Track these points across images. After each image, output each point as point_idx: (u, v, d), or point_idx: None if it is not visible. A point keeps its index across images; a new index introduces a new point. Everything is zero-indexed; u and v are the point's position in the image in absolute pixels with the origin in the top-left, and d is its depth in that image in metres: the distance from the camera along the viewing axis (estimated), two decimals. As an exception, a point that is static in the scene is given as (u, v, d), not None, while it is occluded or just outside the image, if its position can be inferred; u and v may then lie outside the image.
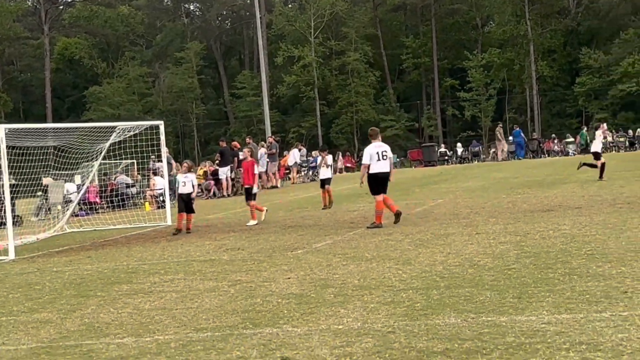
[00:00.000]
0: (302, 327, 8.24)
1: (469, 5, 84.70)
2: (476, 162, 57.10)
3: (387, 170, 17.34)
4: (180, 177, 20.71)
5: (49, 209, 28.86)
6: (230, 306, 9.68)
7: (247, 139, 38.00)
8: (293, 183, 41.78)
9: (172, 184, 27.07)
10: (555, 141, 59.95)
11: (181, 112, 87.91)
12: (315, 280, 10.93)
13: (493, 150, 59.51)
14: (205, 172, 39.13)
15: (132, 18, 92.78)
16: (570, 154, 56.55)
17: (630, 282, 9.01)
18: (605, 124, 27.52)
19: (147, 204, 32.01)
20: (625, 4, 78.58)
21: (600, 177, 24.76)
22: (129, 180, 34.84)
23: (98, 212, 30.70)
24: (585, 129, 61.57)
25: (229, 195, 34.51)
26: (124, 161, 33.72)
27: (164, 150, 25.17)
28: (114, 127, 23.94)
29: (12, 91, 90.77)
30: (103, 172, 33.99)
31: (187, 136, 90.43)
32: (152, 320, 9.27)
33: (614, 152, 53.06)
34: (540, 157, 55.27)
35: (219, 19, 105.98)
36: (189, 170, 21.12)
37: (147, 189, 34.05)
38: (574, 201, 18.94)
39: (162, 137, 24.26)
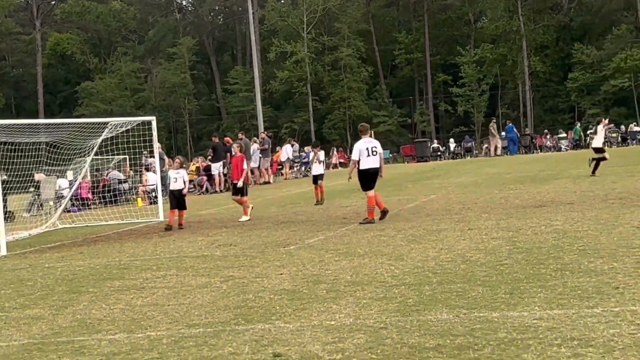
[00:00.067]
0: (295, 323, 8.24)
1: (462, 1, 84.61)
2: (469, 157, 57.13)
3: (377, 166, 17.37)
4: (171, 173, 20.68)
5: (41, 204, 28.84)
6: (222, 302, 9.67)
7: (240, 135, 37.98)
8: (286, 179, 41.77)
9: (165, 180, 27.04)
10: (548, 137, 60.01)
11: (173, 107, 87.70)
12: (307, 276, 10.93)
13: (486, 146, 59.53)
14: (197, 167, 39.13)
15: (124, 13, 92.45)
16: (562, 149, 56.65)
17: (622, 277, 9.03)
18: (606, 120, 27.29)
19: (139, 199, 31.99)
20: (617, -1, 78.76)
21: (593, 172, 24.80)
22: (121, 176, 34.80)
23: (90, 208, 30.64)
24: (579, 124, 61.76)
25: (221, 191, 34.48)
26: (116, 157, 33.66)
27: (156, 146, 25.14)
28: (106, 123, 23.90)
29: (3, 87, 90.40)
30: (95, 167, 33.95)
31: (179, 132, 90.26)
32: (144, 316, 9.26)
33: (606, 147, 52.99)
34: (533, 152, 55.35)
35: (212, 14, 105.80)
36: (181, 166, 21.11)
37: (140, 184, 34.01)
38: (566, 197, 18.98)
39: (155, 133, 24.24)
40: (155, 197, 27.23)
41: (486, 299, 8.53)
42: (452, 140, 63.94)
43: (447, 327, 7.47)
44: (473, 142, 62.26)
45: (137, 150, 27.70)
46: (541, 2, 78.89)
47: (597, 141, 26.07)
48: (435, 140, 66.57)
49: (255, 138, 41.12)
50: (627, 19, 75.58)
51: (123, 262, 14.38)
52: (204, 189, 36.30)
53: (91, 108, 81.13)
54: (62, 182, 30.27)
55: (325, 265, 11.70)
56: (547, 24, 78.68)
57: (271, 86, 79.71)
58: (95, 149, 24.62)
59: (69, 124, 24.40)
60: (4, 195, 20.88)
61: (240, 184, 20.68)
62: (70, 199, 28.40)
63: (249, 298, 9.77)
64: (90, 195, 32.66)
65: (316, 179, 23.65)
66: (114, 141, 26.20)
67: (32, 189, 28.24)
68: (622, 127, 58.36)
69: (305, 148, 44.48)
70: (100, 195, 30.64)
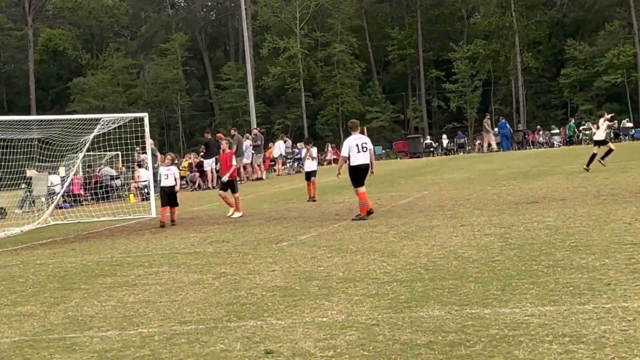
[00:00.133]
0: (286, 319, 8.23)
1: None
2: (461, 153, 57.18)
3: (367, 162, 17.39)
4: (162, 170, 20.60)
5: (33, 201, 28.76)
6: (214, 299, 9.66)
7: (232, 131, 37.93)
8: (278, 175, 41.75)
9: (157, 176, 27.02)
10: (541, 132, 60.11)
11: (166, 103, 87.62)
12: (299, 273, 10.92)
13: (478, 142, 59.59)
14: (190, 163, 39.08)
15: (116, 9, 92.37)
16: (555, 145, 56.74)
17: (614, 274, 9.04)
18: (608, 115, 27.34)
19: (131, 196, 31.95)
20: (610, -5, 78.88)
21: (587, 166, 24.84)
22: (113, 172, 34.76)
23: (82, 204, 30.60)
24: (573, 120, 61.87)
25: (213, 187, 34.43)
26: (108, 153, 33.63)
27: (149, 142, 25.09)
28: (98, 120, 23.83)
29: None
30: (87, 164, 33.90)
31: (172, 128, 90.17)
32: (136, 313, 9.24)
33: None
34: (526, 148, 55.42)
35: (204, 10, 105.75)
36: (172, 163, 21.07)
37: (132, 181, 33.96)
38: (559, 193, 19.00)
39: (147, 129, 24.17)
40: (148, 193, 27.19)
41: (478, 295, 8.53)
42: (444, 136, 64.03)
43: (439, 324, 7.47)
44: (466, 138, 62.36)
45: (130, 146, 27.63)
46: (534, -2, 79.07)
47: (599, 134, 26.18)
48: (428, 136, 66.62)
49: (247, 134, 41.07)
50: (620, 15, 75.71)
51: (115, 258, 14.35)
52: (197, 185, 36.27)
53: (83, 104, 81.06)
54: (54, 179, 30.21)
55: (318, 262, 11.70)
56: (539, 20, 78.80)
57: (264, 82, 79.69)
58: (87, 145, 24.56)
59: (61, 120, 24.31)
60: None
61: (225, 178, 20.72)
62: (63, 196, 28.34)
63: (241, 295, 9.75)
64: (82, 192, 32.61)
65: (309, 175, 23.64)
66: (106, 137, 26.14)
67: (24, 186, 28.15)
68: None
69: (298, 144, 44.51)
70: (93, 191, 30.59)
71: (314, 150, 24.71)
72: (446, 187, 23.98)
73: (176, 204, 20.29)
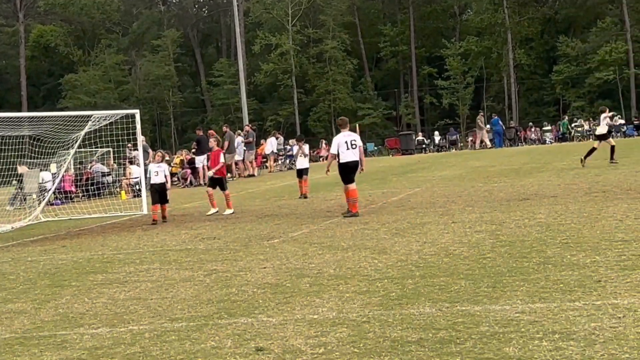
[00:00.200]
0: (277, 317, 8.23)
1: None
2: (453, 150, 57.23)
3: (357, 159, 17.41)
4: (153, 167, 20.50)
5: (24, 198, 28.70)
6: (205, 296, 9.66)
7: (224, 128, 37.94)
8: (270, 172, 41.73)
9: (147, 173, 26.98)
10: (533, 129, 60.18)
11: (158, 100, 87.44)
12: (291, 270, 10.93)
13: (471, 139, 59.64)
14: (181, 160, 39.03)
15: (108, 5, 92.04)
16: (547, 142, 56.82)
17: (604, 271, 9.06)
18: (610, 113, 27.44)
19: (123, 192, 31.90)
20: (602, -8, 78.97)
21: (584, 158, 24.86)
22: (105, 169, 34.69)
23: (73, 201, 30.53)
24: (566, 118, 61.99)
25: (205, 184, 34.34)
26: (99, 149, 33.55)
27: (140, 139, 25.04)
28: (90, 116, 23.78)
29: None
30: (79, 160, 33.84)
31: (163, 124, 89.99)
32: (126, 310, 9.23)
33: (591, 140, 53.27)
34: (518, 145, 55.49)
35: (196, 6, 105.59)
36: (162, 160, 21.05)
37: (123, 177, 33.91)
38: (550, 190, 19.03)
39: (138, 126, 24.14)
40: (139, 190, 27.15)
41: (469, 292, 8.54)
42: (436, 133, 64.05)
43: (430, 321, 7.48)
44: (458, 135, 62.40)
45: (121, 143, 27.59)
46: (526, -5, 79.14)
47: (600, 129, 26.31)
48: (420, 133, 66.60)
49: (239, 131, 41.04)
50: (612, 12, 75.84)
51: (106, 255, 14.34)
52: (188, 182, 36.24)
53: (75, 100, 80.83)
54: (46, 175, 30.14)
55: (309, 259, 11.70)
56: (532, 17, 78.84)
57: (256, 79, 79.64)
58: (78, 142, 24.51)
59: (52, 117, 24.26)
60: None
61: (210, 173, 20.78)
62: (54, 192, 28.28)
63: (232, 292, 9.75)
64: (73, 188, 32.55)
65: (301, 172, 23.60)
66: (98, 134, 26.09)
67: (15, 182, 28.09)
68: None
69: (290, 141, 44.47)
70: (84, 188, 30.52)
71: (306, 148, 24.70)
72: (438, 184, 23.99)
73: (166, 201, 20.25)
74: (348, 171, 17.32)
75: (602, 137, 26.02)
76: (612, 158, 25.40)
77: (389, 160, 48.85)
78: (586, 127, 57.09)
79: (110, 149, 33.40)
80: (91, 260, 13.82)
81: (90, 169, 34.19)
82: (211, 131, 35.52)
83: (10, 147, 23.04)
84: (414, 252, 11.51)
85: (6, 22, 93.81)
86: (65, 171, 28.17)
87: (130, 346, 7.58)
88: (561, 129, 59.11)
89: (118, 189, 33.34)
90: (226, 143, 35.03)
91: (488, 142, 52.58)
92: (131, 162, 33.41)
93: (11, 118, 22.68)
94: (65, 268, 13.10)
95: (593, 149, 25.51)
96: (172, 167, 37.37)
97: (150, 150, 33.42)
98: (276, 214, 19.04)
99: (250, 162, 38.91)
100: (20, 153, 24.37)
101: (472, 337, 6.81)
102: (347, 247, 12.59)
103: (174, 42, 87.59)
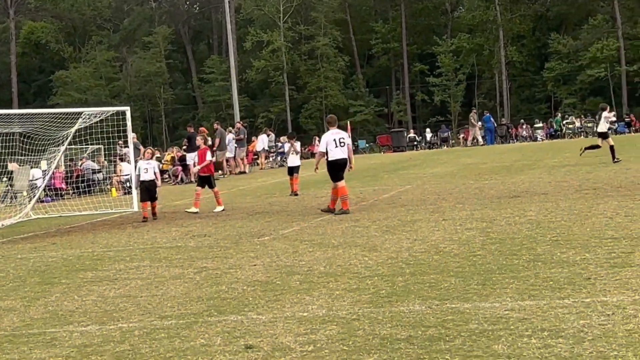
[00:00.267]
0: (267, 314, 8.23)
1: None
2: (445, 147, 57.28)
3: (345, 156, 17.46)
4: (142, 164, 20.38)
5: (15, 195, 28.62)
6: (195, 293, 9.65)
7: (215, 125, 37.86)
8: (261, 169, 41.69)
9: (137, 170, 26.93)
10: (524, 126, 60.27)
11: (149, 96, 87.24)
12: (281, 267, 10.93)
13: (462, 136, 59.69)
14: (172, 157, 38.97)
15: (99, 2, 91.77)
16: (538, 139, 56.91)
17: (594, 268, 9.08)
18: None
19: (113, 189, 31.84)
20: (594, -11, 79.06)
21: (613, 158, 24.68)
22: (95, 166, 34.63)
23: (64, 198, 30.48)
24: (559, 115, 62.10)
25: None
26: (90, 146, 33.48)
27: (131, 136, 24.99)
28: (80, 113, 23.72)
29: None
30: (69, 157, 33.76)
31: (154, 121, 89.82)
32: (116, 308, 9.22)
33: (582, 137, 53.46)
34: (509, 142, 55.57)
35: (187, 3, 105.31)
36: (152, 157, 21.02)
37: (114, 174, 33.85)
38: (541, 187, 19.08)
39: (129, 123, 24.08)
40: (130, 187, 27.11)
41: (458, 290, 8.55)
42: (428, 130, 64.07)
43: (419, 319, 7.48)
44: (449, 132, 62.43)
45: (112, 140, 27.53)
46: (518, -8, 79.17)
47: (601, 127, 26.39)
48: (412, 130, 66.61)
49: (230, 128, 40.98)
50: (603, 9, 75.92)
51: (96, 253, 14.32)
52: (179, 179, 36.17)
53: (66, 97, 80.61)
54: (36, 172, 30.07)
55: (299, 256, 11.70)
56: (523, 14, 78.89)
57: (247, 75, 79.51)
58: (69, 139, 24.44)
59: (42, 114, 24.20)
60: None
61: (195, 170, 20.77)
62: (44, 189, 28.21)
63: (222, 289, 9.75)
64: (64, 186, 32.48)
65: (292, 170, 23.59)
66: (88, 131, 26.04)
67: (5, 179, 28.02)
68: (597, 116, 58.61)
69: (281, 138, 44.41)
70: (74, 185, 30.45)
71: (297, 145, 24.70)
72: (429, 181, 24.02)
73: (156, 199, 20.19)
74: (337, 169, 17.36)
75: (602, 136, 26.07)
76: (614, 157, 25.25)
77: (381, 157, 48.84)
78: (577, 124, 57.21)
79: (101, 146, 33.36)
80: (81, 257, 13.80)
81: (80, 166, 34.12)
82: (202, 128, 35.51)
83: (0, 145, 22.96)
84: (404, 249, 11.52)
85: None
86: (55, 168, 28.11)
87: (119, 344, 7.58)
88: (554, 125, 59.21)
89: (108, 186, 33.29)
90: (217, 140, 34.98)
91: (480, 139, 52.62)
92: (122, 159, 33.35)
93: (1, 115, 22.59)
94: (55, 265, 13.08)
95: (597, 146, 25.63)
96: (163, 164, 37.33)
97: (141, 147, 33.37)
98: (267, 211, 19.04)
99: (242, 159, 38.87)
100: (10, 150, 24.30)
101: (461, 335, 6.82)
102: (337, 244, 12.60)
103: (165, 39, 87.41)
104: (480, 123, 55.06)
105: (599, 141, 26.22)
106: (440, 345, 6.59)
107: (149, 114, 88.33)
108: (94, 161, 34.86)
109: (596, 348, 6.16)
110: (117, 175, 33.30)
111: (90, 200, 25.90)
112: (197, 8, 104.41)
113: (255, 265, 11.29)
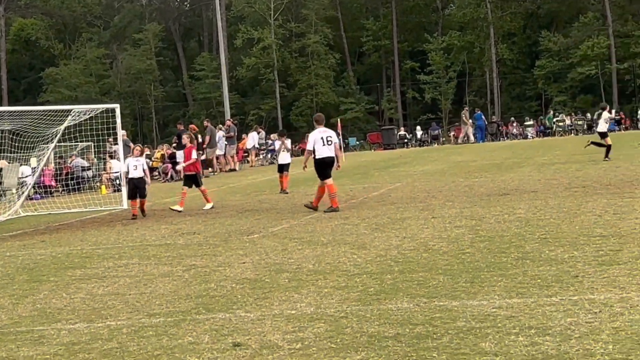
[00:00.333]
0: (255, 312, 8.23)
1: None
2: (435, 145, 57.33)
3: (332, 155, 17.51)
4: (131, 161, 20.30)
5: (4, 192, 28.52)
6: (184, 291, 9.64)
7: (205, 122, 37.83)
8: (251, 166, 41.68)
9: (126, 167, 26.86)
10: (515, 124, 60.36)
11: (139, 94, 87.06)
12: (270, 265, 10.93)
13: (453, 133, 59.74)
14: (162, 155, 38.91)
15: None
16: (529, 137, 57.00)
17: (582, 266, 9.11)
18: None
19: (103, 187, 31.78)
20: (584, -13, 79.19)
21: (606, 156, 24.88)
22: (85, 163, 34.54)
23: (53, 196, 30.40)
24: (551, 112, 62.21)
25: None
26: (80, 144, 33.39)
27: (121, 134, 24.92)
28: (70, 111, 23.64)
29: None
30: (59, 155, 33.66)
31: (145, 118, 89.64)
32: (104, 306, 9.21)
33: (572, 135, 53.58)
34: (500, 140, 55.64)
35: (178, 0, 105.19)
36: (141, 154, 20.98)
37: (103, 172, 33.78)
38: (530, 185, 19.11)
39: (118, 121, 23.99)
40: (119, 184, 27.04)
41: (447, 287, 8.57)
42: (418, 127, 64.09)
43: (407, 316, 7.49)
44: (440, 130, 62.49)
45: (102, 137, 27.43)
46: (508, -10, 79.25)
47: (602, 126, 26.47)
48: (402, 128, 66.62)
49: (220, 125, 40.95)
50: (594, 7, 76.06)
51: (85, 250, 14.29)
52: (169, 176, 36.12)
53: (56, 94, 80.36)
54: (25, 170, 29.97)
55: (288, 254, 11.71)
56: (514, 12, 79.01)
57: (238, 73, 79.42)
58: (58, 136, 24.36)
59: (31, 111, 24.11)
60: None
61: (179, 167, 20.80)
62: (33, 187, 28.12)
63: (211, 287, 9.75)
64: (53, 183, 32.41)
65: (282, 168, 23.57)
66: (78, 128, 25.91)
67: (-6, 177, 27.95)
68: (588, 114, 58.79)
69: (272, 135, 44.39)
70: (64, 182, 30.38)
71: (288, 142, 24.70)
72: (419, 179, 24.04)
73: (144, 196, 20.12)
74: (324, 167, 17.42)
75: (602, 136, 26.16)
76: (606, 155, 25.36)
77: (371, 154, 48.84)
78: (568, 122, 57.33)
79: (91, 144, 33.24)
80: (70, 255, 13.78)
81: (70, 163, 34.03)
82: (192, 125, 35.46)
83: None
84: (393, 247, 11.53)
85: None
86: (45, 165, 28.02)
87: (107, 342, 7.57)
88: (547, 122, 59.32)
89: (98, 184, 33.22)
90: (207, 138, 34.95)
91: (472, 137, 52.68)
92: (111, 157, 33.28)
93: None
94: (43, 263, 13.05)
95: (602, 144, 25.75)
96: (153, 161, 37.28)
97: (131, 145, 33.30)
98: (256, 209, 19.03)
99: (232, 157, 38.85)
100: (-1, 147, 24.22)
101: (449, 332, 6.84)
102: (326, 242, 12.60)
103: (156, 36, 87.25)
104: (471, 121, 55.13)
105: (601, 140, 26.29)
106: (428, 342, 6.60)
107: (139, 112, 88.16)
108: (83, 158, 34.77)
109: (583, 345, 6.18)
110: (107, 173, 33.24)
111: (79, 198, 25.81)
112: (188, 5, 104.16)
113: (244, 262, 11.28)
